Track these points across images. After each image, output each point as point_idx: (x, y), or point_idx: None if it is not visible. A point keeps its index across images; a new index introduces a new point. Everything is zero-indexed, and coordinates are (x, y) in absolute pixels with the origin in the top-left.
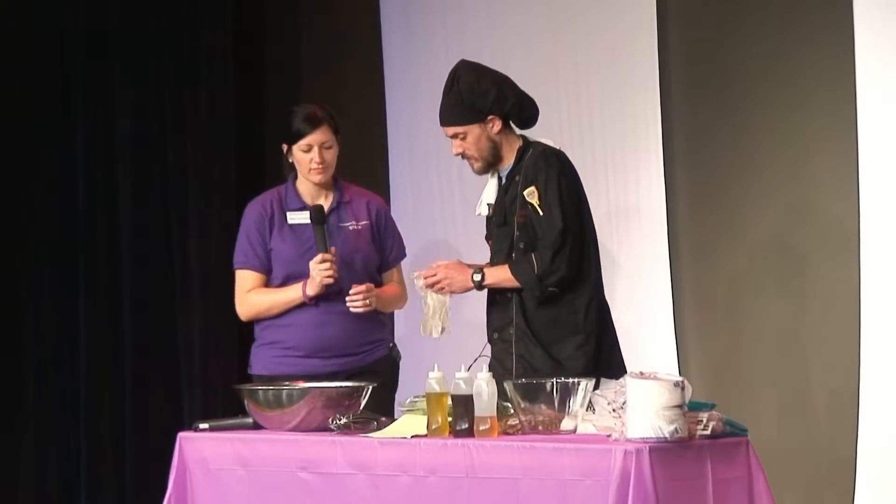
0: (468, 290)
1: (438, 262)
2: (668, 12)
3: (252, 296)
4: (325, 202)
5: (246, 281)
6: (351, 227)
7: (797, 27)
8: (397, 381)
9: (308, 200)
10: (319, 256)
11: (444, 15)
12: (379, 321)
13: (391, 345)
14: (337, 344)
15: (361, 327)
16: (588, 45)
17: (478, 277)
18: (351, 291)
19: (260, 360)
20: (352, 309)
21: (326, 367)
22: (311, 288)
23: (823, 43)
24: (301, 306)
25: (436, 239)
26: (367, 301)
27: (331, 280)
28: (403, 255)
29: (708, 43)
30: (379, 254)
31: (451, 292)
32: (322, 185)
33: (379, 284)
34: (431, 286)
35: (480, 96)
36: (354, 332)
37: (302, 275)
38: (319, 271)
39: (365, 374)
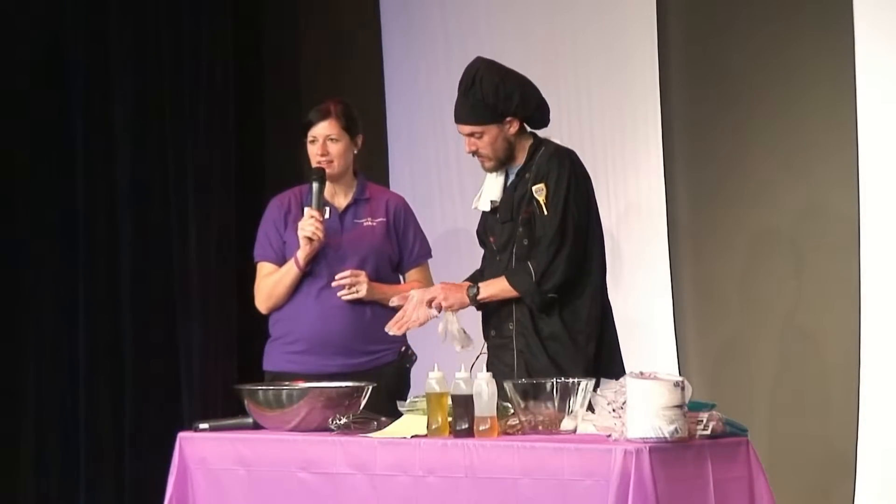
0: (464, 305)
1: (438, 284)
2: (668, 6)
3: (264, 280)
4: (344, 198)
5: (262, 272)
6: (365, 224)
7: (797, 22)
8: (406, 388)
9: (327, 196)
10: (307, 212)
11: (444, 14)
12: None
13: (402, 349)
14: (341, 338)
15: (369, 324)
16: (587, 36)
17: (473, 292)
18: (337, 276)
19: (271, 357)
20: (339, 294)
21: (331, 368)
22: (301, 251)
23: (823, 36)
24: (307, 299)
25: (436, 238)
26: (356, 288)
27: (310, 235)
28: (428, 255)
29: (708, 37)
30: (399, 252)
31: (449, 307)
32: (339, 181)
33: (394, 283)
34: (430, 303)
35: (504, 99)
36: (361, 328)
37: (313, 267)
38: (302, 226)
39: (370, 380)
